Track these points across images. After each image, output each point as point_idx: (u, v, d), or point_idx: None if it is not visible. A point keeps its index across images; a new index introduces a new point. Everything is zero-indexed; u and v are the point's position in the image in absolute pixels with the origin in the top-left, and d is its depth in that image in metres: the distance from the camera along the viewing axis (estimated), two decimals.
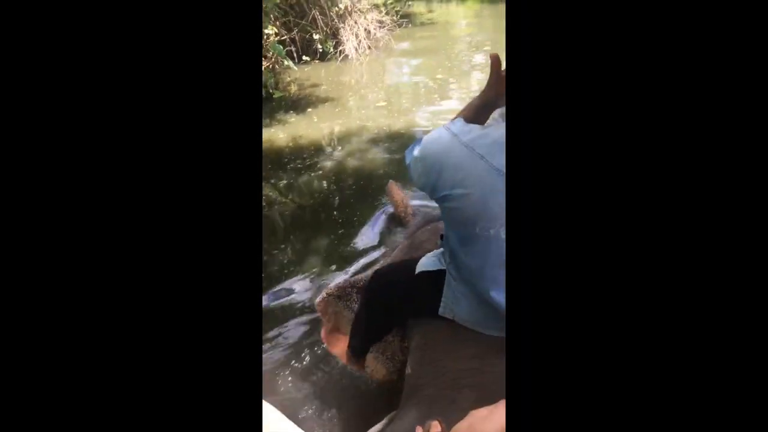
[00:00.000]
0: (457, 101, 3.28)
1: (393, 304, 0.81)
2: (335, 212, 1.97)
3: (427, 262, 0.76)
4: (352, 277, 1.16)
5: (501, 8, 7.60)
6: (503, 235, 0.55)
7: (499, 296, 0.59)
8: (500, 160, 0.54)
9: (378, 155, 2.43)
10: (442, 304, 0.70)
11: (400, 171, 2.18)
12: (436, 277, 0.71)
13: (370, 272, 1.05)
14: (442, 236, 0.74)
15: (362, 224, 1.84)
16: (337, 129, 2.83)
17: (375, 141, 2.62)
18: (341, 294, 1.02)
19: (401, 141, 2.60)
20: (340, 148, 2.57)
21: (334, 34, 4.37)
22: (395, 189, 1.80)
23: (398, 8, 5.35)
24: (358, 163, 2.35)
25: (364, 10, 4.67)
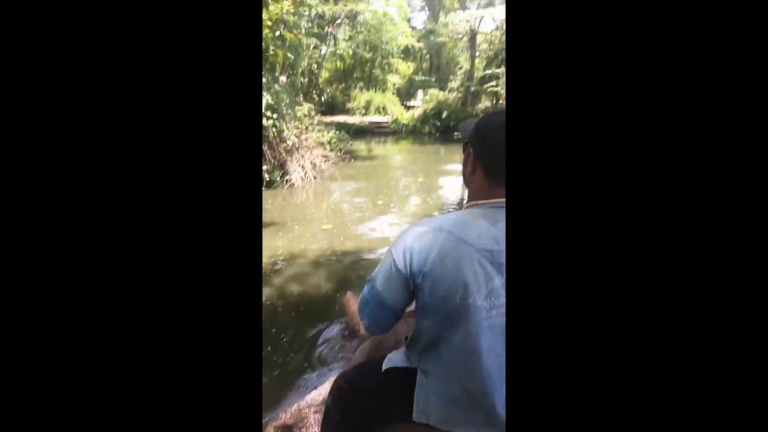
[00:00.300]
0: (396, 218, 3.46)
1: (361, 409, 0.75)
2: (269, 348, 1.71)
3: (395, 359, 0.73)
4: (306, 397, 1.04)
5: (429, 147, 8.98)
6: (480, 302, 0.57)
7: (490, 365, 0.59)
8: (464, 233, 0.58)
9: (321, 279, 2.32)
10: (414, 408, 0.66)
11: (342, 295, 2.06)
12: (405, 376, 0.68)
13: (327, 386, 0.96)
14: (406, 338, 0.72)
15: (299, 365, 1.59)
16: (279, 252, 2.73)
17: (319, 263, 2.54)
18: (296, 420, 0.90)
19: (346, 262, 2.55)
20: (281, 272, 2.43)
21: (281, 166, 4.68)
22: (352, 300, 1.71)
23: (341, 146, 6.04)
24: (300, 289, 2.20)
25: (311, 147, 5.18)
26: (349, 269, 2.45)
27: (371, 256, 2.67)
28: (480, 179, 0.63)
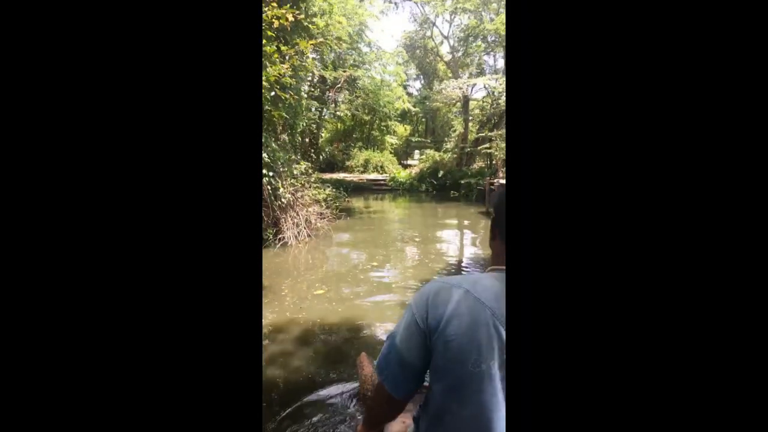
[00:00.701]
0: (395, 279, 3.19)
1: None
2: None
3: None
4: None
5: (427, 206, 8.95)
6: (494, 371, 0.55)
7: None
8: (482, 294, 0.57)
9: (304, 361, 1.99)
10: None
11: (328, 383, 1.73)
12: None
13: None
14: (414, 417, 0.70)
15: None
16: (263, 322, 2.42)
17: (306, 339, 2.22)
18: None
19: (337, 339, 2.23)
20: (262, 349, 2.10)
21: (275, 223, 4.50)
22: (366, 362, 1.55)
23: (338, 203, 5.95)
24: (279, 373, 1.86)
25: (306, 204, 5.06)
26: (338, 349, 2.14)
27: (365, 326, 2.36)
28: (498, 245, 0.64)
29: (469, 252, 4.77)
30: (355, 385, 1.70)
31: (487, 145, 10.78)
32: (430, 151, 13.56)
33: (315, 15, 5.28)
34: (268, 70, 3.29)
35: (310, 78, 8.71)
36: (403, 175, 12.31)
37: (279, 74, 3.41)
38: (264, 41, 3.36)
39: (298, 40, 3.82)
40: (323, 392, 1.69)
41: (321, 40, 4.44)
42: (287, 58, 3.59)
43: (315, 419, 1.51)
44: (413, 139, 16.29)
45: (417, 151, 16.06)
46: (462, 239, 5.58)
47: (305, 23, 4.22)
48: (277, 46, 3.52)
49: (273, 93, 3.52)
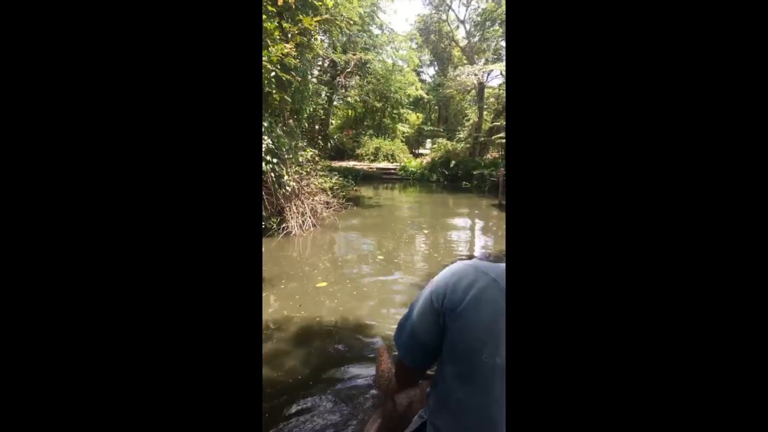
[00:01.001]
0: (402, 274, 3.03)
1: None
2: None
3: (411, 426, 0.70)
4: None
5: (437, 196, 8.72)
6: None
7: None
8: None
9: (299, 362, 1.85)
10: None
11: (328, 388, 1.59)
12: None
13: None
14: (428, 393, 0.69)
15: None
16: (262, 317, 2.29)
17: (302, 338, 2.08)
18: None
19: (339, 338, 2.09)
20: None
21: (280, 212, 4.37)
22: (385, 356, 1.50)
23: (345, 192, 5.78)
24: (271, 374, 1.73)
25: (313, 193, 4.91)
26: (339, 351, 2.00)
27: (370, 323, 2.22)
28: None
29: (480, 244, 4.57)
30: (360, 371, 1.67)
31: (501, 135, 10.42)
32: (442, 140, 13.23)
33: None
34: (270, 49, 3.10)
35: (320, 63, 8.46)
36: (414, 164, 12.04)
37: (282, 54, 3.21)
38: (264, 17, 3.16)
39: (301, 17, 3.60)
40: (332, 378, 1.64)
41: (327, 16, 4.21)
42: (290, 36, 3.38)
43: (324, 410, 1.47)
44: (425, 128, 15.93)
45: (429, 140, 15.71)
46: (473, 232, 5.37)
47: (311, 1, 3.99)
48: (278, 23, 3.31)
49: (273, 73, 3.32)
